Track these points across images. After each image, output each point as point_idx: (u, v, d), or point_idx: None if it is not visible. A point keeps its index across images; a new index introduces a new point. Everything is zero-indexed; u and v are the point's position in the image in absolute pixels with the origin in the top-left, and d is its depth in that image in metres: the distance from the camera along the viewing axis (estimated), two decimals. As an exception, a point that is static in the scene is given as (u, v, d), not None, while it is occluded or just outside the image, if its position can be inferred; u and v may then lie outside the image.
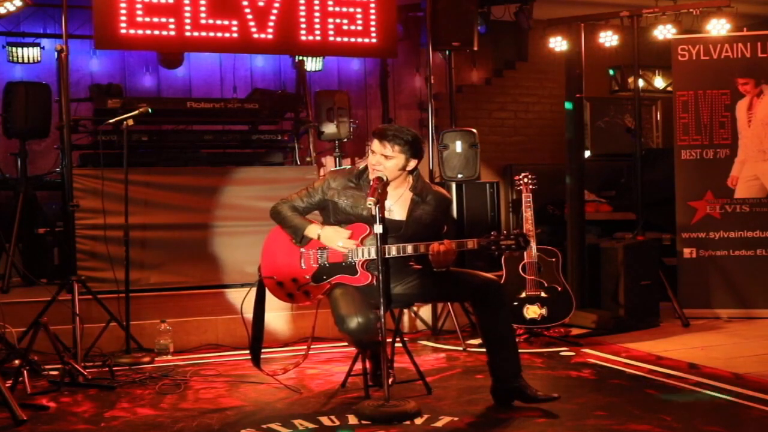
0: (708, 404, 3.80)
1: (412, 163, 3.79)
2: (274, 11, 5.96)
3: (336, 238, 3.76)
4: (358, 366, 4.02)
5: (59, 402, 4.00)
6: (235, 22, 5.87)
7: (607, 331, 5.55)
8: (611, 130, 9.59)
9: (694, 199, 6.26)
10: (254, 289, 3.99)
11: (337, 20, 6.11)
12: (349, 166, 4.04)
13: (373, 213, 3.55)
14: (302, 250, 3.84)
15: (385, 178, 3.70)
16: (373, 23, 6.17)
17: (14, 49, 7.27)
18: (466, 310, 5.55)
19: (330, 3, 6.08)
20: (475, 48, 6.64)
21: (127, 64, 7.88)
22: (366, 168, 3.85)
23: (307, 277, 3.81)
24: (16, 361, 4.31)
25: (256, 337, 4.08)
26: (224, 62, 8.15)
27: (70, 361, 4.40)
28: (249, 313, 4.04)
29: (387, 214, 3.75)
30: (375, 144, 3.75)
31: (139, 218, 5.60)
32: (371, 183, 3.68)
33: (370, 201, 3.54)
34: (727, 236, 6.17)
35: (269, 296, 3.96)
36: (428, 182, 3.94)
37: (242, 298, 4.03)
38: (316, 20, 6.05)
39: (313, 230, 3.80)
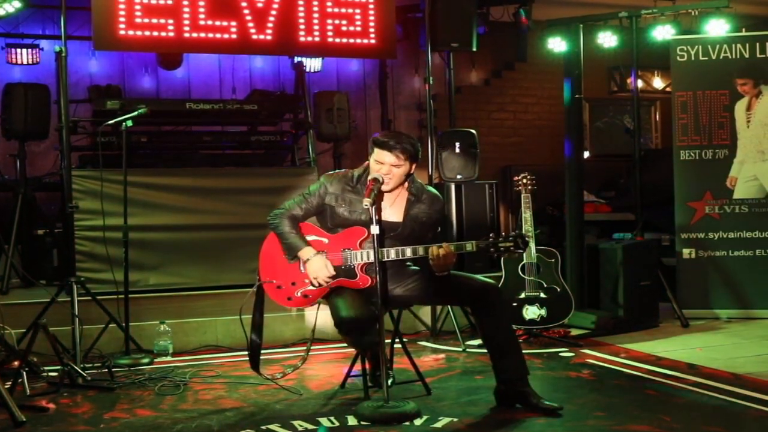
0: (707, 405, 3.80)
1: (413, 167, 3.81)
2: (273, 12, 5.96)
3: (317, 271, 3.72)
4: (358, 367, 4.02)
5: (59, 403, 4.00)
6: (234, 23, 5.87)
7: (606, 332, 5.55)
8: (610, 130, 9.62)
9: (693, 200, 6.26)
10: (253, 293, 3.98)
11: (336, 21, 6.10)
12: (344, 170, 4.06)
13: (370, 215, 3.56)
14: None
15: (381, 179, 3.69)
16: (372, 24, 6.17)
17: (13, 50, 7.27)
18: (465, 310, 5.55)
19: (329, 4, 6.08)
20: (474, 49, 6.64)
21: (126, 65, 7.87)
22: (363, 172, 3.85)
23: (307, 280, 3.81)
24: (16, 363, 4.31)
25: (255, 342, 4.07)
26: (223, 63, 8.15)
27: (69, 362, 4.40)
28: (247, 316, 4.03)
29: (384, 216, 3.75)
30: (384, 155, 3.71)
31: (139, 219, 5.61)
32: (368, 185, 3.68)
33: (366, 202, 3.54)
34: (726, 237, 6.17)
35: (268, 298, 3.96)
36: (422, 183, 3.95)
37: (241, 303, 4.02)
38: (315, 21, 6.05)
39: (305, 254, 3.77)
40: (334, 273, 3.74)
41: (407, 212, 3.81)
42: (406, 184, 3.85)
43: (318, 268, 3.74)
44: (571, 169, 6.27)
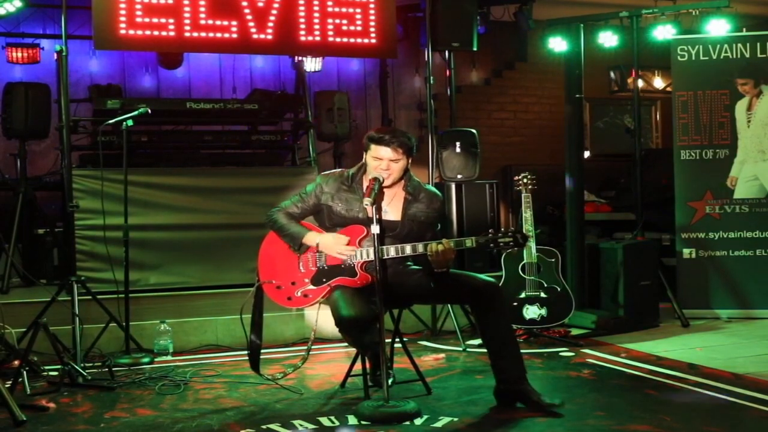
0: (708, 404, 3.80)
1: (409, 162, 3.83)
2: (274, 12, 5.95)
3: (335, 246, 3.76)
4: (358, 366, 4.02)
5: (59, 402, 4.00)
6: (234, 23, 5.86)
7: (606, 332, 5.55)
8: (611, 130, 9.62)
9: (693, 200, 6.26)
10: (252, 294, 3.98)
11: (337, 21, 6.10)
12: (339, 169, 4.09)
13: (370, 214, 3.57)
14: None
15: (382, 179, 3.70)
16: (372, 24, 6.17)
17: (14, 49, 7.27)
18: (465, 310, 5.55)
19: (329, 3, 6.08)
20: (475, 48, 6.64)
21: (127, 64, 7.88)
22: (358, 170, 3.87)
23: (306, 280, 3.81)
24: (16, 362, 4.32)
25: (255, 343, 4.06)
26: (224, 63, 8.15)
27: (69, 361, 4.40)
28: (247, 315, 4.02)
29: (382, 215, 3.75)
30: (381, 150, 3.73)
31: (139, 219, 5.61)
32: (368, 184, 3.68)
33: (367, 201, 3.55)
34: (726, 236, 6.17)
35: (268, 298, 3.95)
36: (420, 181, 3.95)
37: (241, 303, 4.02)
38: (316, 21, 6.05)
39: (311, 238, 3.81)
40: (348, 239, 3.74)
41: (405, 212, 3.82)
42: (403, 182, 3.86)
43: (333, 242, 3.76)
44: (572, 169, 6.26)
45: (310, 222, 3.94)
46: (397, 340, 4.12)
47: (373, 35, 6.18)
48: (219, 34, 5.85)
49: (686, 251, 6.23)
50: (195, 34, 5.80)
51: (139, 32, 5.68)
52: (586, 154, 7.97)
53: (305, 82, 7.14)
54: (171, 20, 5.72)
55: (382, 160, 3.73)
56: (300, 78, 7.15)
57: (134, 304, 5.07)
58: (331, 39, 6.10)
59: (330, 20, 6.08)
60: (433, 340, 5.52)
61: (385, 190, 3.79)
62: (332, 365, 4.74)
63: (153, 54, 7.49)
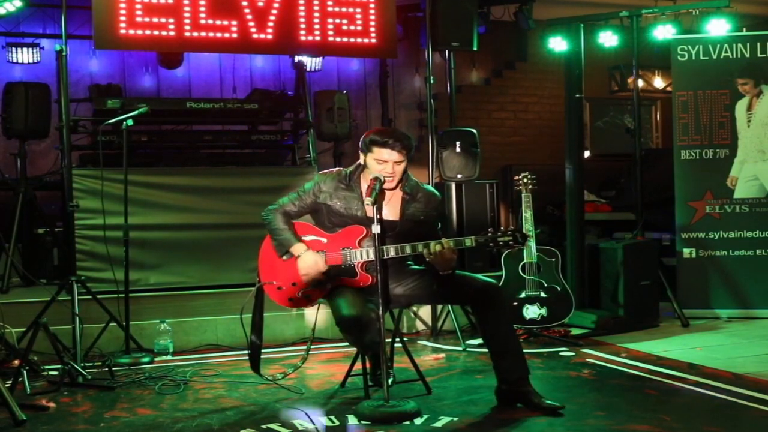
0: (708, 404, 3.80)
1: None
2: (274, 11, 5.95)
3: (309, 268, 3.74)
4: (358, 366, 4.02)
5: (59, 402, 4.00)
6: (234, 23, 5.87)
7: (606, 331, 5.55)
8: (611, 130, 9.61)
9: (693, 200, 6.27)
10: (253, 295, 3.98)
11: (337, 20, 6.10)
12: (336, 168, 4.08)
13: (369, 213, 3.57)
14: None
15: (383, 179, 3.70)
16: (372, 23, 6.17)
17: (14, 49, 7.27)
18: (465, 310, 5.55)
19: (329, 3, 6.08)
20: (475, 48, 6.64)
21: (127, 64, 7.87)
22: (356, 169, 3.87)
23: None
24: (16, 362, 4.32)
25: (255, 344, 4.06)
26: (224, 62, 8.14)
27: (69, 361, 4.40)
28: (247, 315, 4.02)
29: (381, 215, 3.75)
30: (386, 153, 3.72)
31: (139, 218, 5.60)
32: (369, 183, 3.68)
33: (368, 201, 3.55)
34: (726, 236, 6.17)
35: (269, 298, 3.95)
36: (417, 180, 3.94)
37: (242, 303, 4.01)
38: (316, 20, 6.05)
39: (296, 249, 3.80)
40: (325, 269, 3.74)
41: (403, 211, 3.82)
42: (401, 182, 3.85)
43: (309, 264, 3.74)
44: (572, 169, 6.26)
45: (308, 221, 3.94)
46: (397, 339, 4.12)
47: (373, 35, 6.18)
48: (219, 34, 5.85)
49: (686, 251, 6.23)
50: (195, 34, 5.80)
51: (139, 32, 5.68)
52: (586, 154, 7.97)
53: (305, 82, 7.14)
54: (171, 20, 5.72)
55: (386, 163, 3.73)
56: (300, 78, 7.15)
57: (134, 304, 5.07)
58: (331, 39, 6.10)
59: (330, 20, 6.08)
60: (433, 340, 5.52)
61: (391, 189, 3.79)
62: (332, 365, 4.74)
63: (153, 54, 7.48)
